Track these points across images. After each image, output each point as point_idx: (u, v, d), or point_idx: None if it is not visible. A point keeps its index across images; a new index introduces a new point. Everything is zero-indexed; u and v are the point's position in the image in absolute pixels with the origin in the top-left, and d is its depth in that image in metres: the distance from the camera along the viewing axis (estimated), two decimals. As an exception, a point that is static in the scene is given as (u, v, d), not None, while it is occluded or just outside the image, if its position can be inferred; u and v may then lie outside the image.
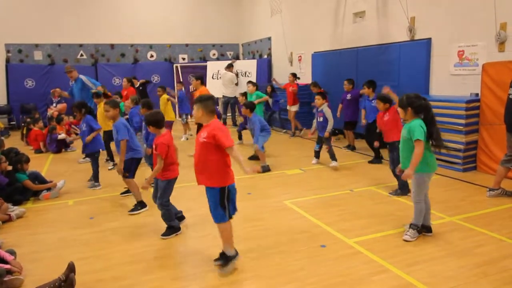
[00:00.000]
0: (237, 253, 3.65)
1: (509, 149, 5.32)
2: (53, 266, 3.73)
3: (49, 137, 9.38)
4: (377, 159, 7.50)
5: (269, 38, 14.56)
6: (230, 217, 3.58)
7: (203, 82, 8.12)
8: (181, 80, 14.32)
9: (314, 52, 11.58)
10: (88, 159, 7.19)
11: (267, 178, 6.74)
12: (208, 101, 3.57)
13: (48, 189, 5.99)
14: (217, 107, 12.54)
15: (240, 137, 9.64)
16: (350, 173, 6.90)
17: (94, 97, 8.04)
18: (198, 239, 4.37)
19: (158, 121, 4.41)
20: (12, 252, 3.81)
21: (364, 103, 7.81)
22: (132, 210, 5.17)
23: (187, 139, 10.28)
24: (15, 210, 5.19)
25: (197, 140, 3.56)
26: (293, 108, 10.53)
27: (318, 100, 7.19)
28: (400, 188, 5.54)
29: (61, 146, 9.48)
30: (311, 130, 7.66)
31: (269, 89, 11.04)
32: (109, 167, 7.39)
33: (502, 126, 5.53)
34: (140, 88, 11.76)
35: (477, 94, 6.78)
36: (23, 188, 5.75)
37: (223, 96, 12.42)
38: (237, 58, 16.42)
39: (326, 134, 7.05)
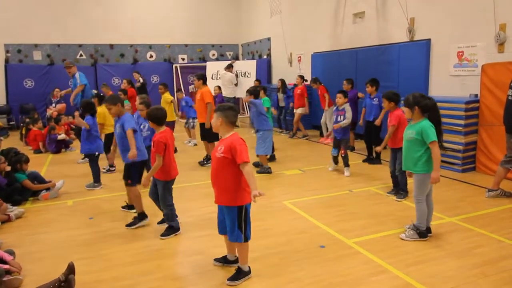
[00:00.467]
0: (250, 271, 3.52)
1: (509, 150, 5.33)
2: (52, 266, 3.73)
3: (48, 137, 9.38)
4: (377, 159, 7.50)
5: (269, 39, 14.57)
6: (247, 240, 3.40)
7: (205, 82, 7.89)
8: (181, 81, 14.28)
9: (314, 53, 11.59)
10: (87, 159, 7.15)
11: (267, 179, 6.74)
12: (229, 111, 3.34)
13: (47, 189, 5.99)
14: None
15: None
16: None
17: (94, 99, 8.02)
18: (198, 239, 4.37)
19: (159, 118, 4.32)
20: (11, 252, 3.81)
21: (365, 101, 7.73)
22: (130, 224, 4.73)
23: (195, 144, 9.79)
24: (14, 210, 5.18)
25: (213, 154, 3.36)
26: (298, 111, 10.38)
27: (339, 98, 6.74)
28: (402, 189, 5.53)
29: (61, 146, 9.47)
30: (326, 133, 7.30)
31: (279, 84, 11.03)
32: (103, 169, 7.19)
33: (502, 127, 5.54)
34: (140, 87, 11.72)
35: (476, 95, 6.79)
36: (22, 188, 5.74)
37: (215, 94, 12.42)
38: (237, 58, 16.43)
39: (335, 126, 6.64)
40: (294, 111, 10.50)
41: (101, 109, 7.06)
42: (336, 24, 10.71)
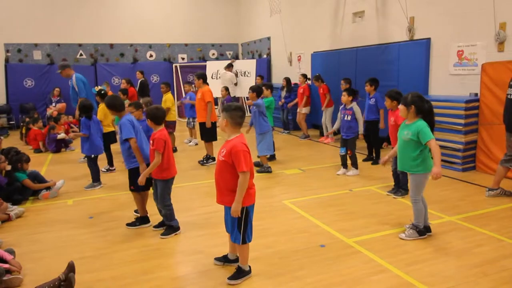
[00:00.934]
0: (250, 271, 3.53)
1: (509, 149, 5.33)
2: (52, 265, 3.73)
3: (48, 137, 9.38)
4: (378, 159, 7.50)
5: (269, 38, 14.56)
6: (245, 242, 3.40)
7: (206, 81, 7.87)
8: (181, 80, 14.27)
9: (314, 52, 11.58)
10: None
11: (267, 178, 6.74)
12: (235, 111, 3.32)
13: (48, 189, 5.99)
14: (217, 106, 12.54)
15: None
16: (349, 173, 6.90)
17: (97, 96, 8.01)
18: (197, 238, 4.37)
19: (158, 117, 4.29)
20: (12, 252, 3.81)
21: (364, 102, 7.75)
22: (131, 224, 4.74)
23: (196, 144, 9.74)
24: (14, 209, 5.19)
25: (217, 156, 3.39)
26: (302, 111, 10.32)
27: (344, 97, 6.59)
28: (402, 188, 5.52)
29: (61, 146, 9.48)
30: (328, 132, 7.07)
31: (284, 82, 10.95)
32: (103, 169, 7.21)
33: (502, 126, 5.54)
34: (139, 87, 11.73)
35: (476, 94, 6.79)
36: (22, 188, 5.75)
37: (222, 96, 12.42)
38: (237, 58, 16.43)
39: (361, 136, 6.58)
40: (298, 110, 10.47)
41: (103, 107, 7.02)
42: (336, 23, 10.71)
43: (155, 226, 4.66)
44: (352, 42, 10.02)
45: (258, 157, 7.15)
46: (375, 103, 7.29)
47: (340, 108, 6.86)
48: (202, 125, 7.58)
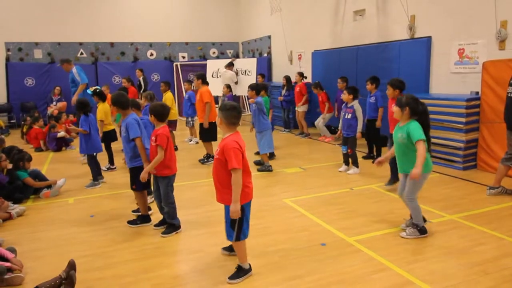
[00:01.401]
0: (250, 269, 3.52)
1: (510, 147, 5.32)
2: (53, 264, 3.74)
3: (48, 135, 9.38)
4: (379, 157, 7.49)
5: (269, 37, 14.55)
6: (239, 240, 3.40)
7: (205, 81, 7.89)
8: (182, 79, 14.27)
9: (314, 51, 11.57)
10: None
11: (267, 177, 6.74)
12: (229, 111, 3.33)
13: (49, 187, 6.00)
14: (217, 105, 12.52)
15: None
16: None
17: (94, 96, 8.00)
18: (198, 237, 4.37)
19: (162, 114, 4.30)
20: (13, 250, 3.82)
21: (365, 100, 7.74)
22: (132, 222, 4.73)
23: (197, 143, 9.68)
24: (15, 208, 5.20)
25: (215, 155, 3.43)
26: (300, 109, 10.33)
27: (344, 95, 6.57)
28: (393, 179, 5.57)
29: (61, 145, 9.49)
30: (337, 134, 6.99)
31: (284, 81, 10.92)
32: (104, 167, 7.21)
33: (503, 124, 5.53)
34: (140, 85, 11.73)
35: (477, 93, 6.78)
36: (23, 186, 5.75)
37: (223, 94, 12.42)
38: (237, 56, 16.41)
39: (359, 134, 6.49)
40: (296, 108, 10.48)
41: (102, 106, 7.01)
42: (336, 22, 10.69)
43: (155, 225, 4.66)
44: (352, 40, 10.00)
45: (256, 154, 7.17)
46: (375, 101, 7.29)
47: (342, 106, 6.87)
48: (201, 124, 7.61)
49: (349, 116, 6.54)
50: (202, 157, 7.87)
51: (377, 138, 7.44)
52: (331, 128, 9.96)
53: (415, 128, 3.92)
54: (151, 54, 15.72)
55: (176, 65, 15.34)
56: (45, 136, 9.50)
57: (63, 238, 4.43)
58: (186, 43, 16.22)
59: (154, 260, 3.85)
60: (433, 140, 6.95)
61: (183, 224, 4.55)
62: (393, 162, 5.56)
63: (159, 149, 4.18)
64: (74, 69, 8.76)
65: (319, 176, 6.69)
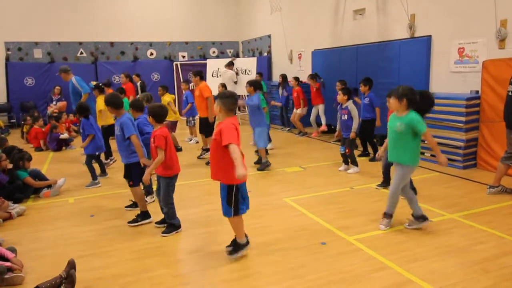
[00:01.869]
0: (248, 243, 3.80)
1: (509, 146, 5.32)
2: (54, 263, 3.74)
3: (49, 136, 9.39)
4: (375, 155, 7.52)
5: (269, 36, 14.55)
6: (238, 214, 3.65)
7: (203, 78, 7.99)
8: (182, 78, 14.27)
9: (314, 50, 11.57)
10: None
11: (267, 176, 6.74)
12: (228, 98, 3.62)
13: (49, 187, 6.00)
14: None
15: None
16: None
17: (95, 90, 8.09)
18: (198, 236, 4.37)
19: (160, 115, 4.36)
20: (13, 250, 3.83)
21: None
22: (133, 221, 4.75)
23: (197, 142, 9.79)
24: (15, 208, 5.20)
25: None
26: (298, 111, 10.38)
27: (339, 96, 6.65)
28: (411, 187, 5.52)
29: (61, 144, 9.49)
30: (335, 134, 7.05)
31: (280, 79, 10.99)
32: (105, 161, 7.31)
33: (502, 123, 5.52)
34: (137, 90, 11.71)
35: (477, 91, 6.78)
36: (23, 186, 5.75)
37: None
38: (237, 56, 16.40)
39: (352, 134, 6.49)
40: (294, 111, 10.52)
41: (101, 99, 7.19)
42: (336, 21, 10.69)
43: (157, 223, 4.67)
44: (352, 39, 10.00)
45: (256, 152, 7.24)
46: (369, 102, 7.43)
47: (337, 108, 6.95)
48: (202, 119, 7.72)
49: (345, 117, 6.61)
50: (200, 153, 8.10)
51: (371, 138, 7.51)
52: (332, 127, 9.99)
53: (419, 121, 4.01)
54: (151, 54, 15.72)
55: (176, 64, 15.34)
56: (45, 136, 9.51)
57: (63, 238, 4.43)
58: (186, 43, 16.21)
59: (155, 260, 3.85)
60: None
61: (183, 224, 4.55)
62: (385, 167, 5.59)
63: (159, 150, 4.20)
64: (73, 79, 8.67)
65: (319, 175, 6.69)
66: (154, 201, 5.40)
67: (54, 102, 12.60)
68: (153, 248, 4.11)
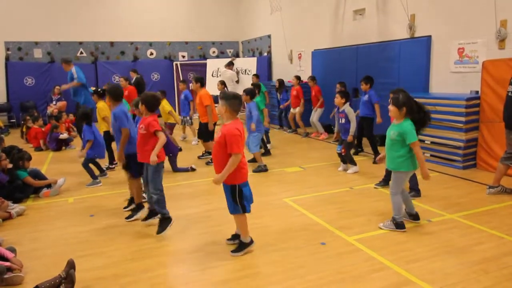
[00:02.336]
0: (252, 242, 3.89)
1: (509, 147, 5.32)
2: (53, 263, 3.74)
3: (50, 136, 9.38)
4: (376, 154, 7.51)
5: (269, 36, 14.54)
6: (245, 211, 3.76)
7: (203, 85, 8.01)
8: (181, 78, 14.25)
9: (314, 50, 11.57)
10: None
11: (267, 176, 6.74)
12: (234, 99, 3.67)
13: (49, 187, 6.00)
14: (217, 105, 12.49)
15: None
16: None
17: (94, 95, 8.05)
18: (198, 236, 4.37)
19: (152, 104, 4.37)
20: (13, 250, 3.82)
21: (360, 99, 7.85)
22: (129, 216, 4.85)
23: (198, 142, 9.69)
24: (15, 207, 5.20)
25: (215, 137, 3.78)
26: (295, 110, 10.43)
27: (336, 99, 6.63)
28: (413, 188, 5.49)
29: (61, 144, 9.49)
30: (334, 136, 7.10)
31: (277, 84, 11.05)
32: (110, 166, 7.35)
33: (502, 124, 5.52)
34: (135, 85, 11.65)
35: (477, 92, 6.78)
36: (23, 186, 5.75)
37: (219, 91, 12.40)
38: (237, 55, 16.40)
39: (350, 138, 6.46)
40: (292, 110, 10.55)
41: (101, 104, 7.16)
42: (336, 21, 10.69)
43: (143, 220, 4.69)
44: (352, 40, 10.00)
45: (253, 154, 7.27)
46: (369, 98, 7.43)
47: (335, 111, 6.99)
48: (202, 125, 7.71)
49: (343, 120, 6.63)
50: (201, 153, 8.17)
51: (371, 136, 7.49)
52: (331, 127, 10.00)
53: (410, 130, 4.09)
54: (151, 54, 15.71)
55: (176, 64, 15.33)
56: (45, 136, 9.50)
57: (63, 238, 4.43)
58: (186, 43, 16.21)
59: (155, 260, 3.85)
60: (433, 139, 6.98)
61: (182, 223, 4.55)
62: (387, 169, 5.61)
63: (158, 133, 4.24)
64: (73, 69, 8.94)
65: (319, 175, 6.69)
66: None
67: (54, 102, 12.59)
68: (153, 248, 4.11)
